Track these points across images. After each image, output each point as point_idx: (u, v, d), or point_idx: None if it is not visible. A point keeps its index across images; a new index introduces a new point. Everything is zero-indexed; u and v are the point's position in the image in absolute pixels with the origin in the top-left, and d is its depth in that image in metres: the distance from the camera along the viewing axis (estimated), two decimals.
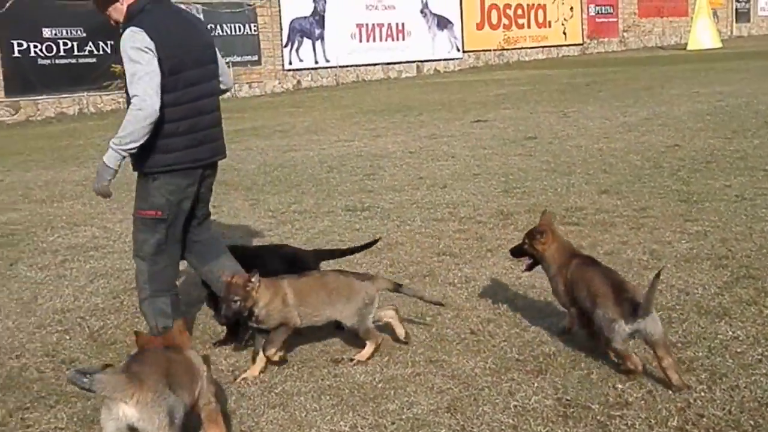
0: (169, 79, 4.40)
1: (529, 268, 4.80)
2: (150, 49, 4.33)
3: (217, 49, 4.82)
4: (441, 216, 7.70)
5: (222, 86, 4.87)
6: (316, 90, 26.73)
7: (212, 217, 8.04)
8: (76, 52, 22.13)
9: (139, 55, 4.33)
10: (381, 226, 7.42)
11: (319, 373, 4.33)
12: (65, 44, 21.88)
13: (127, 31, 4.40)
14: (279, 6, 27.12)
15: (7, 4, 20.30)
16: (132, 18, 4.46)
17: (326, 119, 17.04)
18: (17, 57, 20.83)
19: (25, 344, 4.96)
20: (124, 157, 4.43)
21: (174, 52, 4.43)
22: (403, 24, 30.63)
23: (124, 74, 4.43)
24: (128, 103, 4.40)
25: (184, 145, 4.53)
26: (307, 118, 17.45)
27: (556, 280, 4.52)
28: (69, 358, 4.72)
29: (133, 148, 4.37)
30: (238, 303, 4.22)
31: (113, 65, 22.39)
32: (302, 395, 4.08)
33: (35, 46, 21.13)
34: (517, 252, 4.82)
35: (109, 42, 22.69)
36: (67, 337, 5.05)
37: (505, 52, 34.09)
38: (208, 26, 24.75)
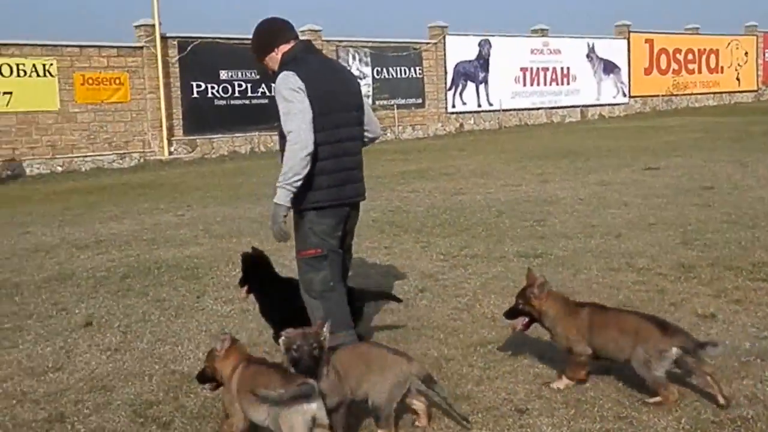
0: (318, 118, 4.70)
1: (527, 326, 4.87)
2: (302, 89, 4.69)
3: (365, 99, 5.14)
4: (618, 266, 7.50)
5: (369, 134, 5.17)
6: (479, 133, 26.82)
7: (385, 258, 8.24)
8: (249, 94, 23.17)
9: (292, 95, 4.69)
10: (556, 273, 7.29)
11: (504, 423, 4.28)
12: (240, 86, 22.95)
13: (281, 74, 4.78)
14: (444, 50, 27.48)
15: (189, 48, 21.50)
16: (285, 64, 4.86)
17: (491, 162, 17.04)
18: (195, 97, 22.00)
19: None
20: (293, 193, 4.69)
21: (322, 95, 4.74)
22: (568, 68, 30.42)
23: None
24: (281, 141, 4.78)
25: (330, 183, 4.82)
26: (472, 161, 17.52)
27: (563, 329, 4.67)
28: None
29: (298, 182, 4.66)
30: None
31: None
32: None
33: (212, 87, 22.27)
34: (511, 314, 4.89)
35: None
36: None
37: (673, 97, 33.22)
38: (375, 69, 25.64)
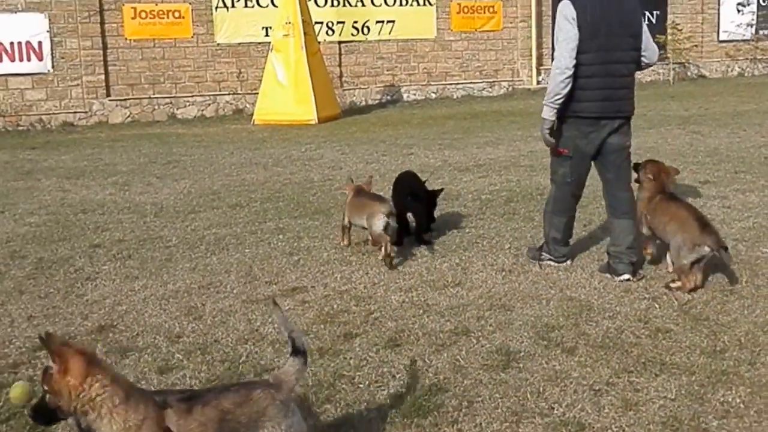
0: (585, 42, 5.33)
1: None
2: (573, 18, 5.33)
3: (644, 26, 5.56)
4: None
5: (645, 60, 5.57)
6: None
7: (722, 203, 7.52)
8: None
9: (564, 23, 5.37)
10: None
11: None
12: None
13: (561, 3, 5.44)
14: None
15: None
16: None
17: None
18: None
19: (615, 307, 5.01)
20: (556, 109, 5.45)
21: (592, 21, 5.32)
22: None
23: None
24: None
25: (592, 98, 5.41)
26: None
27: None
28: (663, 327, 4.65)
29: (559, 100, 5.42)
30: None
31: (657, 36, 22.21)
32: None
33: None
34: None
35: (654, 12, 22.52)
36: (657, 306, 5.00)
37: None
38: None
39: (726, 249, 5.16)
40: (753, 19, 23.72)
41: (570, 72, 5.33)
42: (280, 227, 7.38)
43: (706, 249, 5.13)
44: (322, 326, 4.86)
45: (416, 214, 6.60)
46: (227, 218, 7.83)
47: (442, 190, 7.00)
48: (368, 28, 19.68)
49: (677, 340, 4.46)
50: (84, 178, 10.38)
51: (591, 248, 6.31)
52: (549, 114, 5.49)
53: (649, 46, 5.56)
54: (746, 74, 23.69)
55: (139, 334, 4.85)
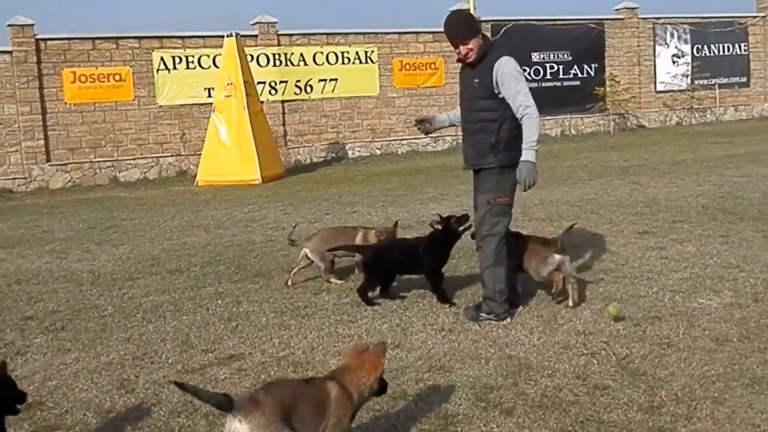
0: None
1: None
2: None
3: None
4: None
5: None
6: None
7: (722, 247, 7.64)
8: (561, 75, 22.77)
9: (519, 73, 5.72)
10: None
11: None
12: (551, 68, 22.61)
13: (506, 57, 5.71)
14: None
15: (502, 30, 21.51)
16: (493, 48, 5.87)
17: None
18: None
19: (554, 364, 4.99)
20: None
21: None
22: None
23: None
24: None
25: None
26: None
27: None
28: (601, 384, 4.63)
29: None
30: None
31: (596, 88, 22.70)
32: None
33: (524, 70, 21.97)
34: None
35: (593, 65, 23.02)
36: (595, 362, 4.98)
37: None
38: (695, 47, 24.11)
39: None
40: (688, 70, 24.36)
41: None
42: (219, 292, 7.26)
43: (556, 257, 6.08)
44: None
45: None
46: (166, 284, 7.69)
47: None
48: (311, 86, 19.82)
49: (615, 397, 4.44)
50: (20, 246, 10.16)
51: (529, 303, 6.31)
52: (535, 158, 5.70)
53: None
54: (683, 123, 24.25)
55: (68, 411, 4.69)
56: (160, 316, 6.56)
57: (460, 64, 6.01)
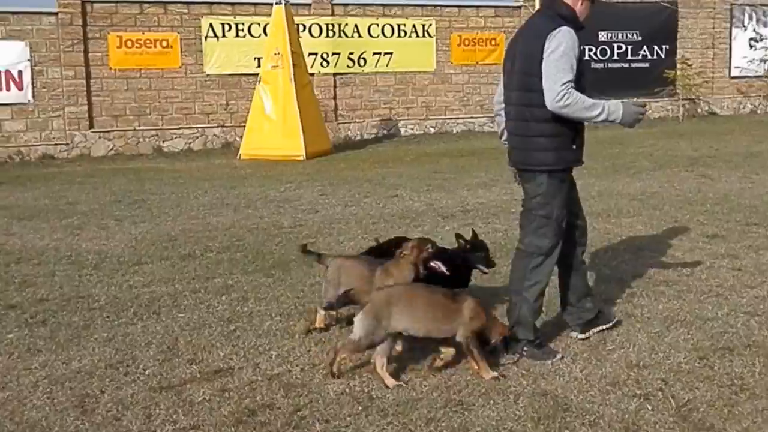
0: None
1: None
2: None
3: (545, 64, 4.68)
4: None
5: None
6: None
7: (732, 263, 6.62)
8: (629, 57, 21.55)
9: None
10: None
11: None
12: (619, 48, 21.39)
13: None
14: None
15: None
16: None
17: None
18: None
19: (597, 407, 4.08)
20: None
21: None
22: None
23: None
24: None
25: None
26: None
27: None
28: None
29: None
30: None
31: (666, 71, 21.38)
32: None
33: (590, 50, 20.88)
34: None
35: (664, 46, 21.71)
36: (649, 408, 4.06)
37: None
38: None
39: None
40: (766, 55, 22.91)
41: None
42: (227, 285, 6.49)
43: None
44: (232, 429, 3.93)
45: None
46: (173, 272, 6.95)
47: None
48: (365, 59, 18.92)
49: None
50: (37, 219, 9.54)
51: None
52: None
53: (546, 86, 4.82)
54: (759, 111, 22.81)
55: None
56: (153, 312, 5.81)
57: None
